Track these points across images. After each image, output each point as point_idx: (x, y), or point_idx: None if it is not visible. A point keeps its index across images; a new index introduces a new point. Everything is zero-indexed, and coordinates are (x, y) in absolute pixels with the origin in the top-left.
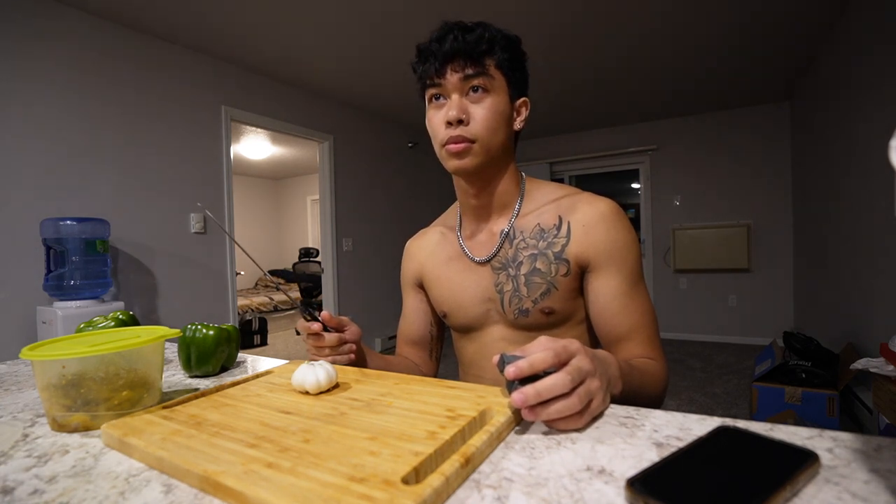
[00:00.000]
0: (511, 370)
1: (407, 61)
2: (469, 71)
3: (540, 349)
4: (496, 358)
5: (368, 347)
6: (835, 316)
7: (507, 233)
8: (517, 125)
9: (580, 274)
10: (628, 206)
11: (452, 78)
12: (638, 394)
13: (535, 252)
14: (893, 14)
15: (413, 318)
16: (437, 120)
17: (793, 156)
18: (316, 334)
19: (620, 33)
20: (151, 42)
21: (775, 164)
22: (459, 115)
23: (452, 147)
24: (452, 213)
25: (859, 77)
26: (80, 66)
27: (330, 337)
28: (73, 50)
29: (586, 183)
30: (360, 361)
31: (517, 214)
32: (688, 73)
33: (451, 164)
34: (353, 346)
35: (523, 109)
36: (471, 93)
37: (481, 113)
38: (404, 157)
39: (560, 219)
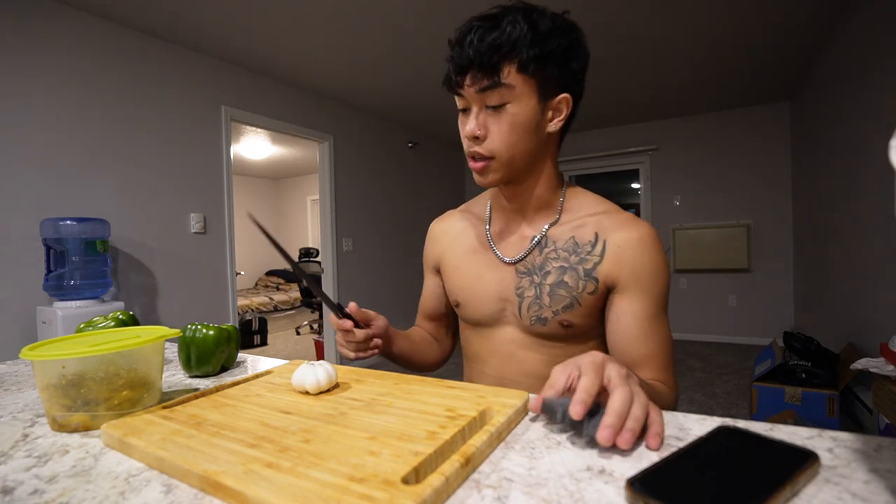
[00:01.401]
0: (579, 409)
1: (407, 61)
2: (485, 83)
3: (568, 375)
4: (537, 404)
5: (395, 329)
6: (835, 316)
7: (539, 240)
8: (552, 127)
9: (606, 293)
10: (628, 206)
11: (470, 91)
12: None
13: (566, 265)
14: (893, 14)
15: (430, 295)
16: (462, 130)
17: (793, 156)
18: (347, 331)
19: (620, 33)
20: (151, 42)
21: (775, 164)
22: (475, 131)
23: (472, 165)
24: (482, 202)
25: (859, 77)
26: (79, 66)
27: (359, 333)
28: (73, 50)
29: (586, 183)
30: (385, 348)
31: (553, 223)
32: (688, 73)
33: (475, 178)
34: (379, 342)
35: (563, 107)
36: (489, 104)
37: (498, 129)
38: (404, 157)
39: (596, 236)
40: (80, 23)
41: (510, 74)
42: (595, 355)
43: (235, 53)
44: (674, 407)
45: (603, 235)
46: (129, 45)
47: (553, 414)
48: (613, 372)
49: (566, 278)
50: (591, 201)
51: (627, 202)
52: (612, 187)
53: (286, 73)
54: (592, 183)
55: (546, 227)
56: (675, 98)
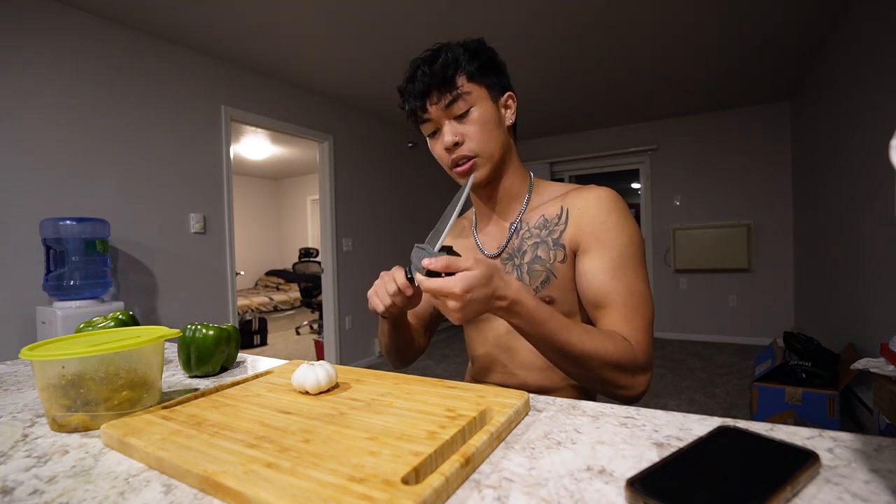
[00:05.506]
0: (425, 261)
1: (407, 60)
2: (447, 98)
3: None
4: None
5: None
6: (835, 316)
7: (516, 226)
8: (508, 120)
9: (574, 259)
10: (629, 206)
11: (435, 110)
12: (561, 346)
13: (538, 241)
14: (893, 14)
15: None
16: (438, 149)
17: (793, 156)
18: (400, 292)
19: (621, 34)
20: (151, 42)
21: (775, 164)
22: (454, 139)
23: (460, 169)
24: (471, 210)
25: (859, 77)
26: (79, 65)
27: (405, 298)
28: (72, 50)
29: (586, 183)
30: (399, 316)
31: (525, 209)
32: (688, 73)
33: (464, 182)
34: (405, 308)
35: (510, 102)
36: (457, 114)
37: (472, 129)
38: (404, 157)
39: (562, 208)
40: (79, 23)
41: (464, 84)
42: (471, 271)
43: (235, 53)
44: (624, 360)
45: (566, 206)
46: (129, 44)
47: (417, 253)
48: (460, 282)
49: (539, 252)
50: (558, 186)
51: (628, 202)
52: (612, 187)
53: (286, 73)
54: (592, 183)
55: (520, 213)
56: (676, 97)
